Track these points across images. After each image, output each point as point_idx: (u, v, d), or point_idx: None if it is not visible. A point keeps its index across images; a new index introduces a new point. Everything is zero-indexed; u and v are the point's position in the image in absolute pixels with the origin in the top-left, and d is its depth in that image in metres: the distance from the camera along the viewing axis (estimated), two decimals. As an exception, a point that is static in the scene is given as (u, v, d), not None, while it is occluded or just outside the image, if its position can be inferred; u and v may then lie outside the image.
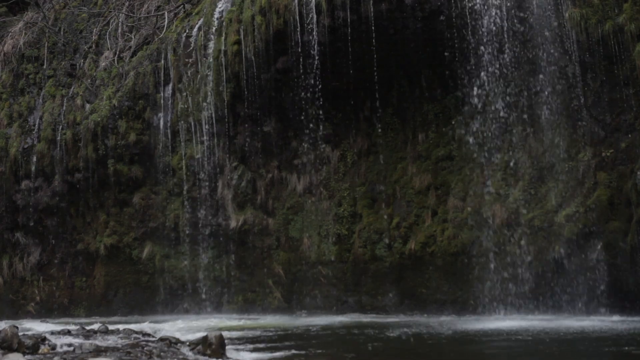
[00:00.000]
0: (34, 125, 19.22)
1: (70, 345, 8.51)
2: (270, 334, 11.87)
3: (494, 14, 14.35)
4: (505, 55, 14.39)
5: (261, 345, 9.72)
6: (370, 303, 15.88)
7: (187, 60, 17.82)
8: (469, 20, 14.51)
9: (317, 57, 15.90)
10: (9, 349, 7.44)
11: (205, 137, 17.48)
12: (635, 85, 12.96)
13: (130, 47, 19.51)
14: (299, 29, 15.85)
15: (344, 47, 15.63)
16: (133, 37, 19.74)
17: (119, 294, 18.19)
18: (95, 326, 11.25)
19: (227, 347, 8.47)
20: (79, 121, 18.55)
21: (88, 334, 10.12)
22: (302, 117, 16.75)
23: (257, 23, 16.38)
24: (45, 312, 18.27)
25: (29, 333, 9.82)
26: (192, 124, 17.61)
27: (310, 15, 15.73)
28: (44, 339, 8.76)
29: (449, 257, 14.92)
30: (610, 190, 13.10)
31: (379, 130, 16.39)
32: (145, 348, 8.36)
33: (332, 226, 16.47)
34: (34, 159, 18.73)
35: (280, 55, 16.35)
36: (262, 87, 16.78)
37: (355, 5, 15.29)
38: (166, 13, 19.49)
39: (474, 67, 14.74)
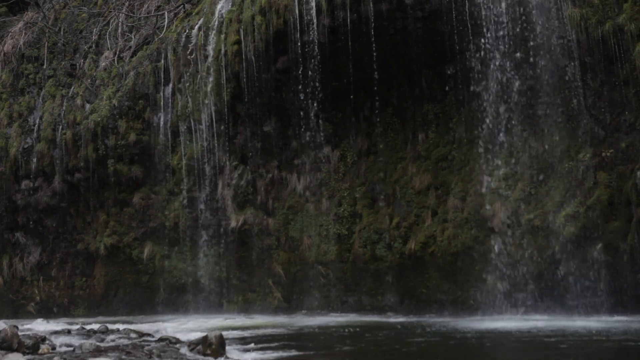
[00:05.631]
0: (34, 125, 19.22)
1: (70, 345, 8.53)
2: (270, 333, 11.87)
3: (494, 13, 14.34)
4: (505, 55, 14.38)
5: (261, 345, 9.72)
6: (370, 303, 15.87)
7: (187, 60, 17.81)
8: (468, 20, 14.50)
9: (317, 57, 15.90)
10: (9, 349, 7.44)
11: (205, 137, 17.48)
12: (635, 85, 12.95)
13: (130, 47, 19.51)
14: (299, 29, 15.84)
15: (344, 47, 15.63)
16: (133, 37, 19.74)
17: (119, 294, 18.19)
18: (95, 326, 11.28)
19: (227, 347, 8.48)
20: (79, 121, 18.55)
21: (88, 334, 10.13)
22: (302, 117, 16.75)
23: (257, 23, 16.37)
24: (45, 312, 18.26)
25: (29, 333, 9.83)
26: (192, 124, 17.61)
27: (310, 15, 15.73)
28: (44, 339, 8.77)
29: (449, 257, 14.92)
30: (610, 190, 13.09)
31: (379, 130, 16.38)
32: (145, 348, 8.37)
33: (332, 226, 16.46)
34: (34, 159, 18.73)
35: (280, 55, 16.35)
36: (262, 87, 16.77)
37: (355, 5, 15.29)
38: (166, 13, 19.49)
39: (474, 67, 14.74)
